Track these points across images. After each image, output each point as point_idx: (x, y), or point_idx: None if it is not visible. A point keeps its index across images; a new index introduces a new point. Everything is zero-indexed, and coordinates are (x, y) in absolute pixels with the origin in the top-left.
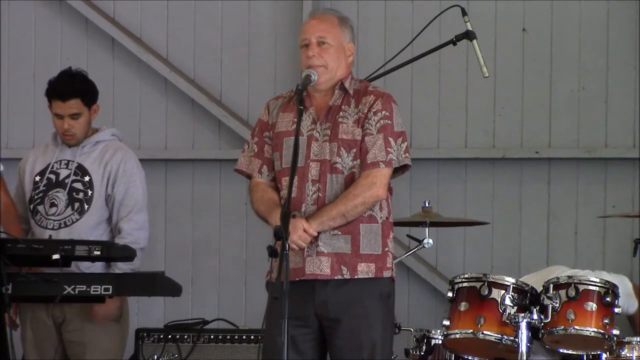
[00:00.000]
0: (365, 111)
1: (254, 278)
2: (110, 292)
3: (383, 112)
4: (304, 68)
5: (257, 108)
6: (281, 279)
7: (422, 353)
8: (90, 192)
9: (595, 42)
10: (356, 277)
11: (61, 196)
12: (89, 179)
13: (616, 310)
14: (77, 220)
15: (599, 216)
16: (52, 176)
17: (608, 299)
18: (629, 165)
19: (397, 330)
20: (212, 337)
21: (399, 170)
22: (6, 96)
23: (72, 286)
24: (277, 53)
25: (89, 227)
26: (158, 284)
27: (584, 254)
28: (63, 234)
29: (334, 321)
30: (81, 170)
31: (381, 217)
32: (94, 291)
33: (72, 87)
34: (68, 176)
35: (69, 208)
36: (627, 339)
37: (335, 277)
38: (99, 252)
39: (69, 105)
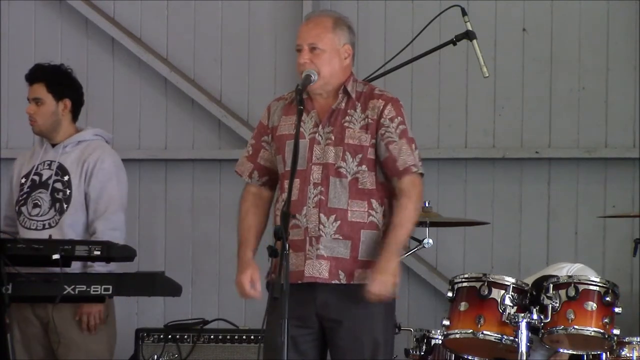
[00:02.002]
0: (376, 117)
1: None
2: (110, 292)
3: (399, 118)
4: (298, 72)
5: (257, 108)
6: (281, 280)
7: (422, 353)
8: (68, 192)
9: (595, 42)
10: (352, 282)
11: (44, 197)
12: (68, 179)
13: (616, 310)
14: (59, 220)
15: (599, 216)
16: (36, 177)
17: (608, 298)
18: (629, 165)
19: (397, 330)
20: (212, 337)
21: None
22: (6, 96)
23: (72, 286)
24: (277, 53)
25: (70, 225)
26: (158, 284)
27: (584, 254)
28: (46, 235)
29: (335, 322)
30: (61, 170)
31: (383, 225)
32: (94, 291)
33: (38, 71)
34: (50, 177)
35: (52, 209)
36: (627, 339)
37: (333, 282)
38: (99, 252)
39: (33, 89)
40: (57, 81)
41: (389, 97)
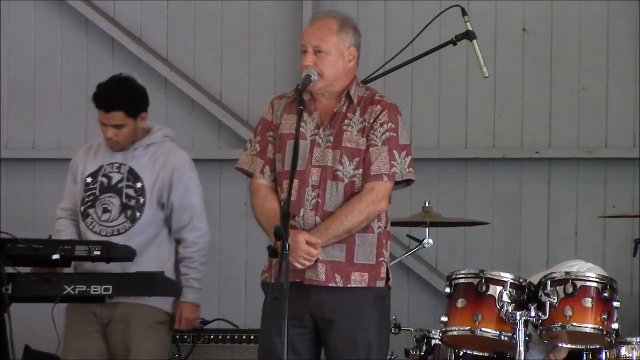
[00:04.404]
0: (371, 121)
1: (254, 278)
2: (110, 292)
3: (389, 124)
4: (300, 73)
5: (257, 108)
6: (281, 280)
7: (422, 353)
8: (142, 200)
9: (595, 42)
10: (349, 285)
11: (114, 202)
12: (141, 186)
13: (615, 304)
14: (130, 228)
15: (599, 216)
16: (104, 179)
17: (606, 294)
18: (629, 165)
19: (397, 330)
20: (212, 337)
21: (402, 183)
22: (6, 96)
23: (72, 286)
24: (277, 53)
25: (141, 233)
26: (158, 284)
27: (584, 254)
28: (115, 241)
29: (328, 322)
30: (133, 175)
31: (379, 227)
32: (93, 291)
33: (114, 99)
34: (120, 181)
35: (122, 215)
36: (627, 339)
37: (329, 284)
38: (98, 252)
39: (111, 117)
40: (134, 104)
41: (388, 103)
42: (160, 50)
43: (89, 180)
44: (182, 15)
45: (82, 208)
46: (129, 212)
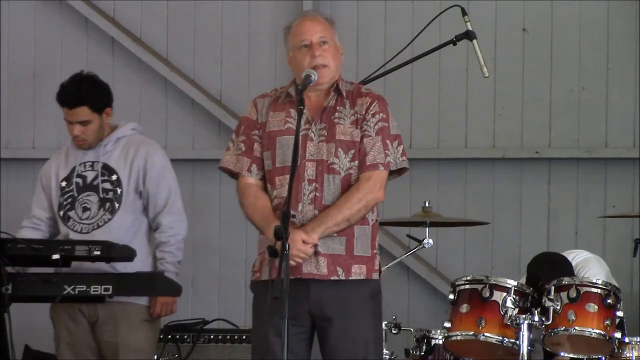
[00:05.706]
0: (363, 112)
1: None
2: (110, 292)
3: (381, 115)
4: (303, 69)
5: None
6: (281, 278)
7: (422, 353)
8: (119, 191)
9: (595, 42)
10: (350, 278)
11: (93, 199)
12: (117, 178)
13: (618, 313)
14: (109, 220)
15: (599, 216)
16: (79, 180)
17: (609, 301)
18: (629, 165)
19: (397, 330)
20: (212, 337)
21: (395, 172)
22: (6, 96)
23: (72, 286)
24: (277, 53)
25: (121, 225)
26: (158, 284)
27: None
28: (97, 235)
29: (327, 320)
30: (107, 170)
31: (372, 220)
32: (93, 291)
33: (77, 95)
34: (96, 178)
35: (101, 209)
36: (627, 339)
37: (331, 278)
38: (98, 252)
39: (76, 113)
40: (97, 98)
41: (375, 94)
42: (160, 50)
43: (64, 184)
44: (182, 15)
45: (62, 212)
46: (108, 205)
